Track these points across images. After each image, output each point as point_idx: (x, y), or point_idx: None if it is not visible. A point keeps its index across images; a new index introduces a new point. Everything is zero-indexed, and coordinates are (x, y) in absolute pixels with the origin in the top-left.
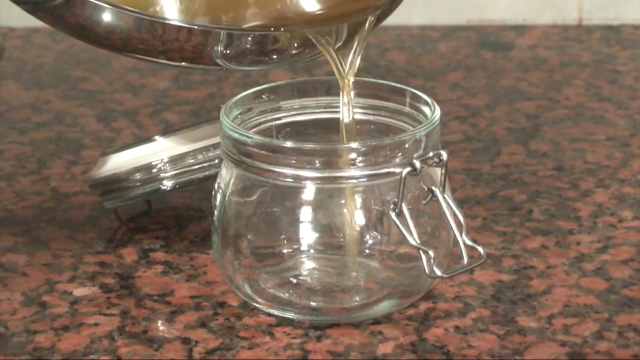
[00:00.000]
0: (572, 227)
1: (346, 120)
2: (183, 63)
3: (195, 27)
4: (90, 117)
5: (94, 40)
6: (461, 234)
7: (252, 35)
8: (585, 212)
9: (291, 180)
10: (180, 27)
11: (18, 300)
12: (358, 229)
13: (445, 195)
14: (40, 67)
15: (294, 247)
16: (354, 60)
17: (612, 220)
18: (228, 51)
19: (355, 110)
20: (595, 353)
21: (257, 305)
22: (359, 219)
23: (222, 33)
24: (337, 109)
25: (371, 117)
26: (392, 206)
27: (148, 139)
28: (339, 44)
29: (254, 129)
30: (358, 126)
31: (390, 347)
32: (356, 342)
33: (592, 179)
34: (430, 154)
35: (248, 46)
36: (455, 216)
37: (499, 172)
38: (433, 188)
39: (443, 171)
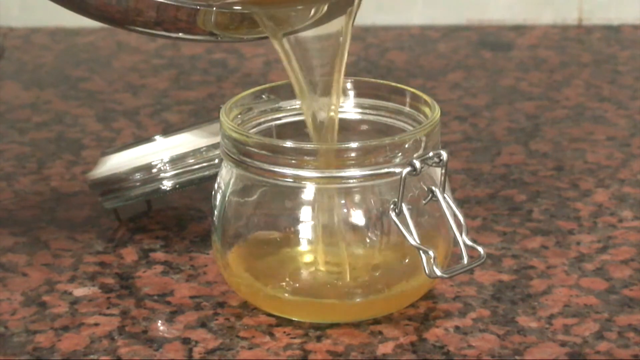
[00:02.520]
0: (572, 227)
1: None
2: (180, 34)
3: (169, 2)
4: (90, 117)
5: (94, 14)
6: (461, 234)
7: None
8: (585, 212)
9: (291, 180)
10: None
11: (18, 300)
12: (358, 229)
13: (445, 195)
14: (40, 67)
15: (294, 247)
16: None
17: (612, 220)
18: (221, 21)
19: (355, 110)
20: (595, 353)
21: (257, 305)
22: (359, 219)
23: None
24: (338, 109)
25: (371, 117)
26: (392, 206)
27: (148, 139)
28: (306, 22)
29: (254, 129)
30: (363, 126)
31: (390, 347)
32: (356, 342)
33: (592, 179)
34: (430, 154)
35: (240, 15)
36: (455, 216)
37: (499, 172)
38: (433, 188)
39: (443, 171)
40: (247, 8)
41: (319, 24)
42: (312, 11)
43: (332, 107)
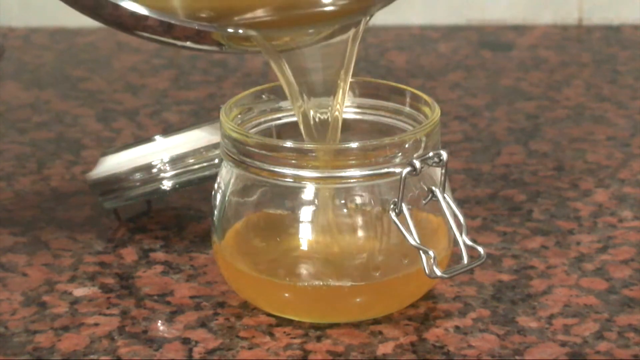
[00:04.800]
0: (572, 227)
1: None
2: (188, 42)
3: (176, 23)
4: (90, 117)
5: (108, 19)
6: (461, 234)
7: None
8: (585, 212)
9: (291, 180)
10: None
11: (18, 300)
12: (358, 229)
13: (445, 195)
14: (40, 67)
15: (294, 247)
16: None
17: (612, 220)
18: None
19: (355, 110)
20: (595, 353)
21: (257, 305)
22: (359, 218)
23: None
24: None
25: (371, 117)
26: (392, 206)
27: (148, 139)
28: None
29: (254, 129)
30: (363, 126)
31: (390, 347)
32: (356, 342)
33: (592, 179)
34: (430, 154)
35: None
36: (455, 216)
37: (499, 172)
38: (433, 188)
39: (443, 171)
40: (246, 32)
41: (322, 41)
42: (312, 33)
43: (337, 107)
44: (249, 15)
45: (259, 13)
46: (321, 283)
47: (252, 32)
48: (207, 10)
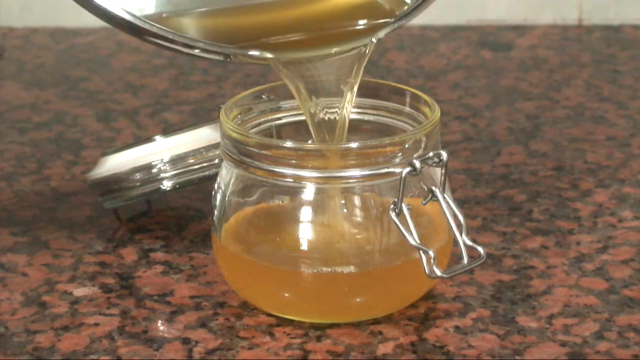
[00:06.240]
0: (572, 227)
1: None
2: (196, 51)
3: (195, 43)
4: (90, 117)
5: (119, 22)
6: (461, 234)
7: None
8: (585, 212)
9: (291, 180)
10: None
11: (18, 300)
12: (358, 228)
13: (445, 195)
14: (40, 67)
15: (294, 247)
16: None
17: (612, 220)
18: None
19: (355, 110)
20: (595, 353)
21: (257, 305)
22: (359, 218)
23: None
24: (337, 110)
25: (371, 117)
26: (392, 206)
27: (148, 139)
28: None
29: (254, 129)
30: (363, 126)
31: (390, 347)
32: (356, 342)
33: (592, 179)
34: (430, 154)
35: None
36: (455, 216)
37: (499, 172)
38: (433, 188)
39: (443, 171)
40: (263, 55)
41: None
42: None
43: (346, 105)
44: (260, 39)
45: (273, 37)
46: (323, 269)
47: (266, 55)
48: (225, 34)
